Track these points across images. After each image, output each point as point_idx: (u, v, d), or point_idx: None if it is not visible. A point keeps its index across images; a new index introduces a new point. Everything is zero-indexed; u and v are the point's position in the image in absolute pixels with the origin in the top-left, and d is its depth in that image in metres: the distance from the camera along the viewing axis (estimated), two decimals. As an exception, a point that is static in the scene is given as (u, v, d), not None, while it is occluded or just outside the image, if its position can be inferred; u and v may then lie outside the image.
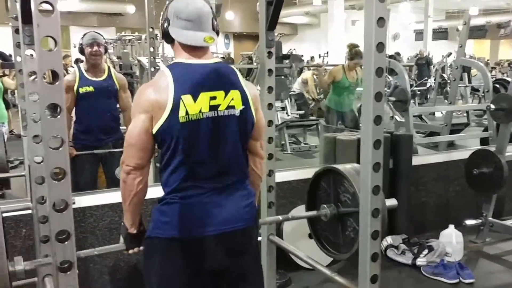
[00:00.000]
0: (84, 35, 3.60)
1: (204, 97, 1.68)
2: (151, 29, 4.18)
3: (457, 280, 3.08)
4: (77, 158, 3.47)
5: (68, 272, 1.35)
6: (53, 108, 1.30)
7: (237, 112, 1.74)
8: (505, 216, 4.09)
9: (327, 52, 15.84)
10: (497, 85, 4.75)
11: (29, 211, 2.64)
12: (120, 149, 3.61)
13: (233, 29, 22.56)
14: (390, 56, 4.73)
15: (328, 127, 5.35)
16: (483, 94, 10.15)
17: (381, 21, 1.74)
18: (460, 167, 3.93)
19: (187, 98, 1.65)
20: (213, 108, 1.69)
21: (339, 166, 2.34)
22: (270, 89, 2.47)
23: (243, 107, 1.75)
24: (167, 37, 1.75)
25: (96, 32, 3.71)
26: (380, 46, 1.75)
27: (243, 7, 21.83)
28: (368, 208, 1.83)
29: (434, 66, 12.53)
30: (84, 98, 3.45)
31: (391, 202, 2.10)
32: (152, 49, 4.24)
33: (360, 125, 6.05)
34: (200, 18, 1.72)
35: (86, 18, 18.02)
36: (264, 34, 2.40)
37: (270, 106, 2.49)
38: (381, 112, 1.80)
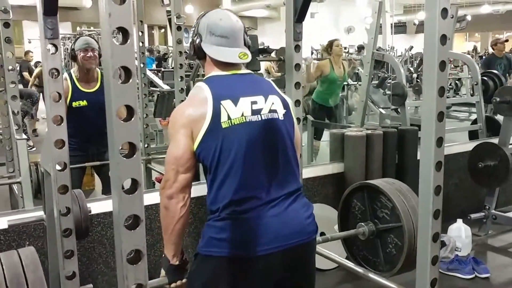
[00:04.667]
0: (76, 39, 3.35)
1: (244, 101, 1.60)
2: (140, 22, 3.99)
3: (473, 276, 3.06)
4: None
5: (142, 297, 1.19)
6: (127, 111, 1.13)
7: (280, 115, 1.65)
8: (500, 207, 4.11)
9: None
10: (485, 78, 4.80)
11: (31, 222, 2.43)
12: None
13: (193, 22, 22.20)
14: (379, 49, 4.71)
15: (315, 122, 5.26)
16: (450, 87, 10.35)
17: (445, 12, 1.65)
18: (459, 160, 3.94)
19: (227, 103, 1.57)
20: (256, 112, 1.60)
21: (373, 182, 2.25)
22: (297, 85, 2.35)
23: (285, 111, 1.67)
24: (199, 53, 1.68)
25: (89, 36, 3.48)
26: (443, 39, 1.66)
27: (203, 1, 21.55)
28: (430, 209, 1.73)
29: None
30: (76, 112, 3.19)
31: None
32: (141, 44, 4.04)
33: (350, 117, 5.88)
34: (234, 33, 1.66)
35: (40, 12, 17.25)
36: (291, 27, 2.28)
37: (297, 102, 2.36)
38: (444, 108, 1.71)
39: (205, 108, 1.55)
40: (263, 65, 9.30)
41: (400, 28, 19.12)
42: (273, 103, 1.64)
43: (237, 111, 1.57)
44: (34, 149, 6.04)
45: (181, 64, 3.42)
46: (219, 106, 1.55)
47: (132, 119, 1.14)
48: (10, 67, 2.82)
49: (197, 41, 1.66)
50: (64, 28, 15.75)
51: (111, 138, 1.15)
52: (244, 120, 1.57)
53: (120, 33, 1.13)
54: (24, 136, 2.83)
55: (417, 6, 20.90)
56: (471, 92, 5.74)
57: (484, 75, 4.83)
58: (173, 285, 1.67)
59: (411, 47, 12.77)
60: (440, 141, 1.70)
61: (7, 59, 2.85)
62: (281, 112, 1.65)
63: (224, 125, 1.54)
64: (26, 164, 2.72)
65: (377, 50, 4.58)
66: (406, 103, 4.68)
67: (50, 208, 2.00)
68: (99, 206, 2.67)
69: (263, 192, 1.58)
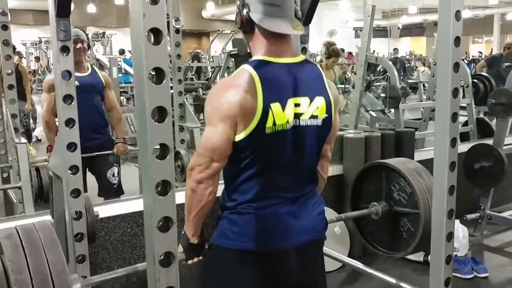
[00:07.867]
0: None
1: (290, 104, 1.51)
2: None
3: (472, 275, 3.10)
4: None
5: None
6: (160, 112, 1.12)
7: (319, 121, 1.57)
8: (493, 208, 4.16)
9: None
10: (476, 81, 4.88)
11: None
12: (108, 151, 3.45)
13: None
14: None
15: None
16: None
17: (458, 14, 1.67)
18: (453, 161, 3.98)
19: (276, 106, 1.48)
20: (296, 116, 1.53)
21: (392, 162, 2.25)
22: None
23: (326, 115, 1.58)
24: (247, 26, 1.51)
25: (78, 28, 3.44)
26: (457, 41, 1.69)
27: (186, 5, 21.49)
28: (444, 209, 1.75)
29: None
30: None
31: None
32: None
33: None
34: (286, 1, 1.50)
35: (21, 16, 17.00)
36: (298, 29, 2.28)
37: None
38: (457, 109, 1.73)
39: (254, 104, 1.44)
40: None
41: (380, 32, 19.31)
42: (317, 107, 1.56)
43: (282, 117, 1.49)
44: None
45: (179, 67, 3.41)
46: (268, 109, 1.46)
47: (165, 120, 1.13)
48: (8, 71, 2.77)
49: (245, 12, 1.50)
50: (45, 32, 15.50)
51: (144, 139, 1.14)
52: (286, 128, 1.51)
53: (152, 34, 1.12)
54: (23, 140, 2.79)
55: (398, 10, 21.14)
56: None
57: (474, 78, 4.92)
58: (190, 261, 1.65)
59: (395, 50, 12.98)
60: (454, 142, 1.72)
61: (5, 63, 2.80)
62: (321, 116, 1.57)
63: (268, 131, 1.48)
64: (27, 169, 2.68)
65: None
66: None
67: (59, 213, 1.98)
68: (103, 210, 2.63)
69: (284, 193, 1.58)
